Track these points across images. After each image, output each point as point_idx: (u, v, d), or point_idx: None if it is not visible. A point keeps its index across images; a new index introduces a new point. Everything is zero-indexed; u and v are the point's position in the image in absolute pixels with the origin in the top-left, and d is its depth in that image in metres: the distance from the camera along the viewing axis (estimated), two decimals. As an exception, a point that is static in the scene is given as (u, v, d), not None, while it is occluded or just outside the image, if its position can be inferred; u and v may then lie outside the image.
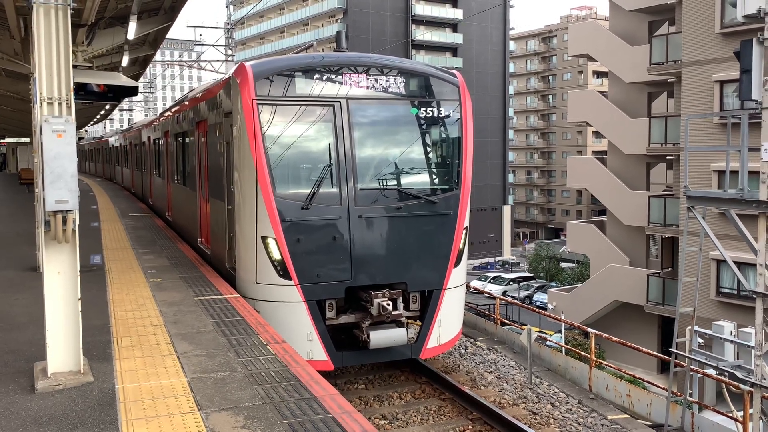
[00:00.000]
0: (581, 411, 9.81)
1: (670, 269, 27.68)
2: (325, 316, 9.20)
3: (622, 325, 27.97)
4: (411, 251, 9.48)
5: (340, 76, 9.41)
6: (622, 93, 30.33)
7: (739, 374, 9.00)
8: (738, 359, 10.08)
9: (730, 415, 9.67)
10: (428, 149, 10.06)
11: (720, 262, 22.65)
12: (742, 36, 21.86)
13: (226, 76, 10.24)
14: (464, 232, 9.89)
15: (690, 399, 10.16)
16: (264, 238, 8.95)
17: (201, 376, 6.08)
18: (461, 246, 9.88)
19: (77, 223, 5.72)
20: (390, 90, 9.67)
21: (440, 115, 9.94)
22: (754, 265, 18.14)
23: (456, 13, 70.34)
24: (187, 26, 40.64)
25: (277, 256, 8.92)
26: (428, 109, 9.87)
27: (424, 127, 9.94)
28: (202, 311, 8.38)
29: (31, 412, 5.29)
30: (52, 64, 5.55)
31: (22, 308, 8.62)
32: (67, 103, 5.58)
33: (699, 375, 10.32)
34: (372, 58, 9.90)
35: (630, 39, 29.66)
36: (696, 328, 9.97)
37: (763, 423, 8.49)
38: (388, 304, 8.98)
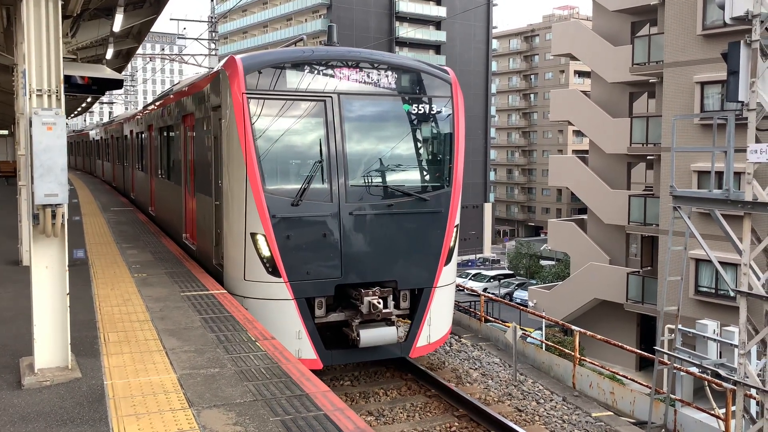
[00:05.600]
0: (566, 408, 9.88)
1: (649, 268, 27.95)
2: (315, 314, 9.08)
3: (602, 323, 28.18)
4: (402, 249, 9.38)
5: (331, 71, 9.26)
6: (604, 93, 30.54)
7: (722, 372, 9.10)
8: (721, 358, 10.19)
9: (713, 412, 9.78)
10: (420, 146, 9.94)
11: (699, 261, 22.91)
12: (724, 38, 22.08)
13: (215, 69, 10.05)
14: (455, 230, 9.81)
15: (673, 396, 10.26)
16: (253, 235, 8.81)
17: (191, 373, 6.02)
18: (452, 244, 9.79)
19: (66, 217, 5.63)
20: (382, 85, 9.53)
21: (432, 112, 9.83)
22: (734, 264, 18.28)
23: (440, 11, 70.38)
24: (170, 19, 40.30)
25: (266, 252, 8.77)
26: (420, 105, 9.75)
27: (415, 123, 9.82)
28: (189, 307, 8.29)
29: (19, 409, 5.19)
30: (42, 56, 5.44)
31: (6, 302, 8.49)
32: (57, 96, 5.47)
33: (681, 373, 10.43)
34: (363, 53, 9.75)
35: (612, 39, 29.87)
36: (680, 326, 10.07)
37: (746, 420, 8.59)
38: (379, 303, 8.87)
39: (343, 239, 9.02)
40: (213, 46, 38.09)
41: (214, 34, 37.65)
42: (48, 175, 5.32)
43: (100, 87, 12.63)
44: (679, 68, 23.75)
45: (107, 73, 12.92)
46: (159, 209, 16.04)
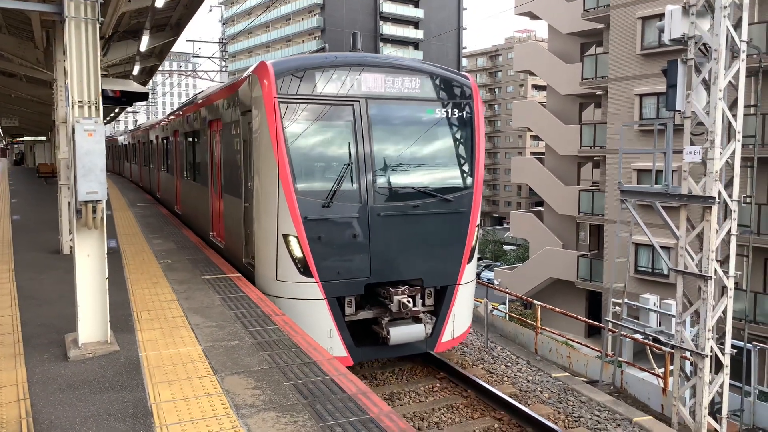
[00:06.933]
0: (530, 370, 9.91)
1: (596, 251, 28.14)
2: (345, 312, 8.11)
3: (556, 298, 28.38)
4: (427, 248, 8.39)
5: (359, 76, 8.20)
6: (557, 103, 30.64)
7: (662, 338, 9.18)
8: (660, 326, 10.27)
9: (653, 372, 9.87)
10: (443, 148, 8.91)
11: (638, 245, 23.10)
12: (659, 57, 22.22)
13: (245, 75, 8.98)
14: (477, 229, 8.83)
15: (620, 359, 10.34)
16: (285, 236, 7.80)
17: (213, 345, 5.95)
18: (474, 242, 8.83)
19: (105, 211, 5.53)
20: (407, 90, 8.49)
21: (454, 115, 8.84)
22: (668, 248, 18.35)
23: (418, 34, 70.35)
24: (187, 40, 39.72)
25: (298, 253, 7.78)
26: (443, 109, 8.76)
27: (439, 126, 8.81)
28: (210, 288, 8.19)
29: (66, 378, 5.11)
30: (82, 72, 5.31)
31: (50, 286, 8.34)
32: (96, 106, 5.35)
33: (627, 339, 10.50)
34: (389, 59, 8.74)
35: (565, 58, 29.94)
36: (626, 300, 10.13)
37: (681, 378, 8.67)
38: (409, 302, 7.92)
39: (371, 240, 8.03)
40: (223, 63, 37.69)
41: (224, 53, 37.25)
42: (89, 175, 5.21)
43: (128, 99, 12.44)
44: (622, 82, 23.86)
45: (134, 87, 12.72)
46: (185, 208, 15.04)
